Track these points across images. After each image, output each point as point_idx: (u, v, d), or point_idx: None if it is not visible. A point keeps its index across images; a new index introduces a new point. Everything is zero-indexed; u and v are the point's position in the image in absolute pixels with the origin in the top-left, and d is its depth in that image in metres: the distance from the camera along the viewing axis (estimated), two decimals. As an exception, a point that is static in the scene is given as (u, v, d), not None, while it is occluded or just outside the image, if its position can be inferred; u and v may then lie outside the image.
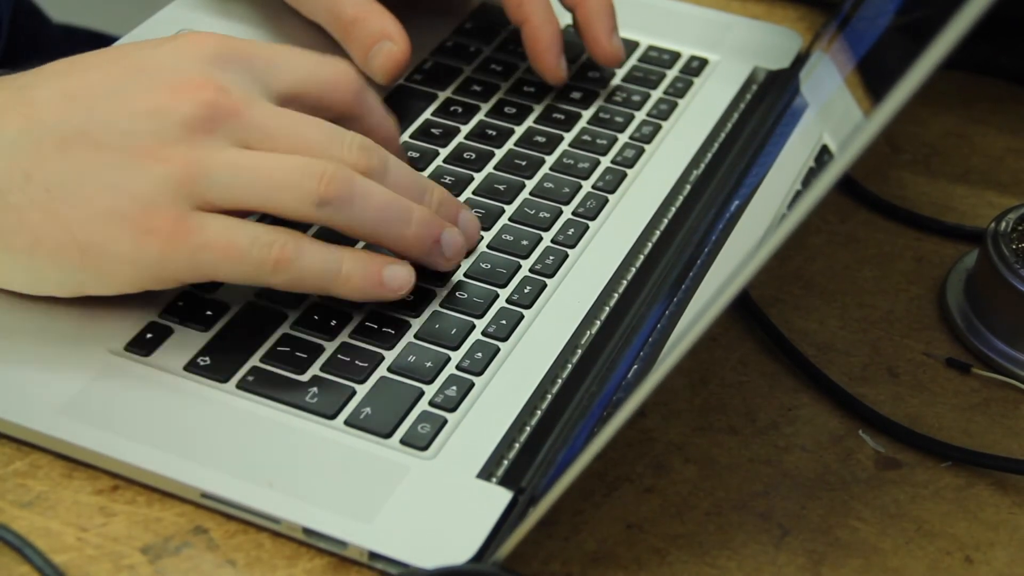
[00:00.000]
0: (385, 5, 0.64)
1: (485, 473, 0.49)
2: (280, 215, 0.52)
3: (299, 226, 0.54)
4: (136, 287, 0.51)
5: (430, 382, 0.52)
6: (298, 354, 0.53)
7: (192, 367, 0.52)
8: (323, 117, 0.54)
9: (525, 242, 0.59)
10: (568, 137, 0.66)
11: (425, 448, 0.50)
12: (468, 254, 0.58)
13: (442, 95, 0.68)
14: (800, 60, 0.74)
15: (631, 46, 0.73)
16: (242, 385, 0.51)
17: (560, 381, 0.53)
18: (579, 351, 0.55)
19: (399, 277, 0.53)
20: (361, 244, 0.55)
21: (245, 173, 0.51)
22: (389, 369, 0.53)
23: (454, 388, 0.52)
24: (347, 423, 0.50)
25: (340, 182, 0.51)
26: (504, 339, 0.55)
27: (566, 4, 0.68)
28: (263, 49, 0.55)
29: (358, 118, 0.56)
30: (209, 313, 0.54)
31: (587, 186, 0.63)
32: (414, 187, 0.55)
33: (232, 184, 0.50)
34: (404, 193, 0.54)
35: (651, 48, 0.73)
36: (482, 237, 0.59)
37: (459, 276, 0.57)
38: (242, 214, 0.52)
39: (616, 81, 0.70)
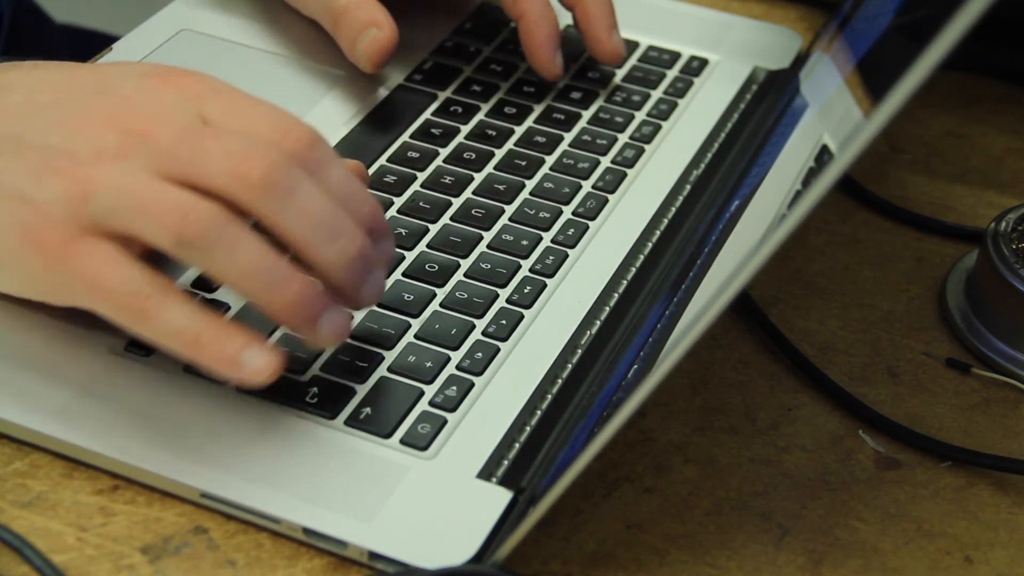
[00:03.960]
0: (388, 4, 0.65)
1: (485, 473, 0.49)
2: (155, 247, 0.48)
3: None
4: (33, 296, 0.51)
5: (430, 382, 0.52)
6: (298, 354, 0.53)
7: (192, 367, 0.52)
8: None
9: (525, 242, 0.59)
10: (568, 137, 0.66)
11: (425, 448, 0.50)
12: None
13: (442, 95, 0.68)
14: (800, 60, 0.74)
15: (631, 46, 0.73)
16: (242, 385, 0.51)
17: (560, 381, 0.53)
18: (579, 351, 0.55)
19: (256, 362, 0.48)
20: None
21: (123, 199, 0.48)
22: (389, 369, 0.53)
23: (454, 388, 0.52)
24: (347, 423, 0.50)
25: (202, 226, 0.47)
26: (504, 339, 0.55)
27: (565, 3, 0.68)
28: (225, 93, 0.51)
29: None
30: (209, 313, 0.54)
31: (587, 186, 0.63)
32: (324, 228, 0.49)
33: (112, 208, 0.48)
34: (310, 230, 0.48)
35: (651, 48, 0.73)
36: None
37: (459, 276, 0.57)
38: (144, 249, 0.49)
39: (616, 81, 0.70)
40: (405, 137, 0.65)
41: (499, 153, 0.65)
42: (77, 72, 0.53)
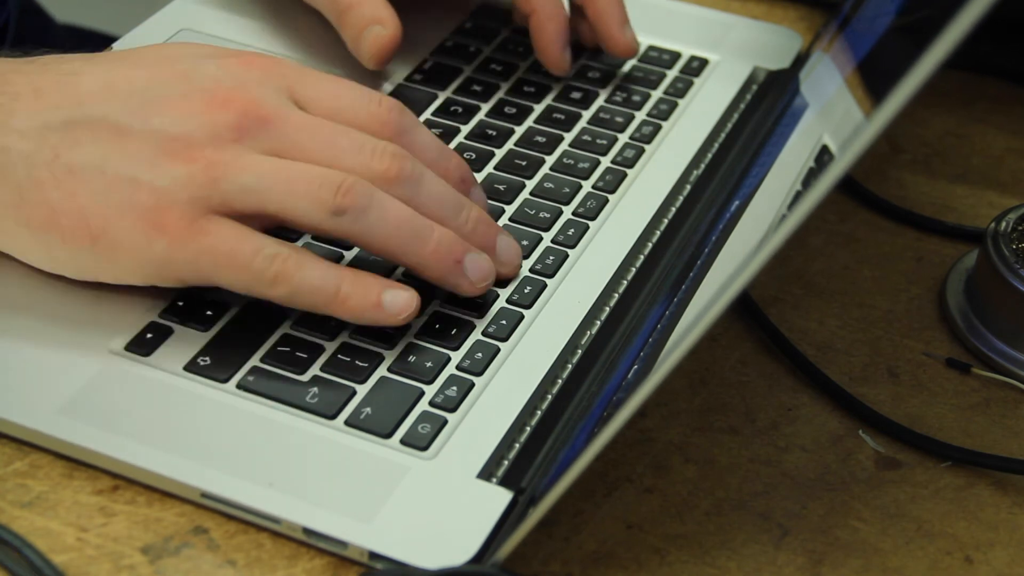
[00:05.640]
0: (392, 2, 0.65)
1: (485, 473, 0.49)
2: (296, 223, 0.52)
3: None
4: (141, 280, 0.52)
5: (430, 382, 0.52)
6: (298, 354, 0.53)
7: (192, 367, 0.52)
8: None
9: (525, 242, 0.59)
10: (568, 137, 0.66)
11: (425, 448, 0.50)
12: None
13: (442, 95, 0.68)
14: (800, 60, 0.74)
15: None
16: (242, 385, 0.51)
17: (560, 381, 0.53)
18: (579, 351, 0.55)
19: (398, 302, 0.52)
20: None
21: (265, 178, 0.51)
22: (389, 369, 0.53)
23: (454, 388, 0.52)
24: (347, 423, 0.50)
25: (357, 193, 0.51)
26: (504, 339, 0.55)
27: (575, 2, 0.69)
28: (309, 73, 0.55)
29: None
30: (209, 313, 0.54)
31: (587, 186, 0.63)
32: (449, 204, 0.54)
33: (251, 188, 0.51)
34: (437, 208, 0.54)
35: (651, 48, 0.73)
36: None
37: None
38: (263, 226, 0.52)
39: (616, 81, 0.70)
40: (405, 137, 0.65)
41: (499, 153, 0.65)
42: (142, 57, 0.54)
